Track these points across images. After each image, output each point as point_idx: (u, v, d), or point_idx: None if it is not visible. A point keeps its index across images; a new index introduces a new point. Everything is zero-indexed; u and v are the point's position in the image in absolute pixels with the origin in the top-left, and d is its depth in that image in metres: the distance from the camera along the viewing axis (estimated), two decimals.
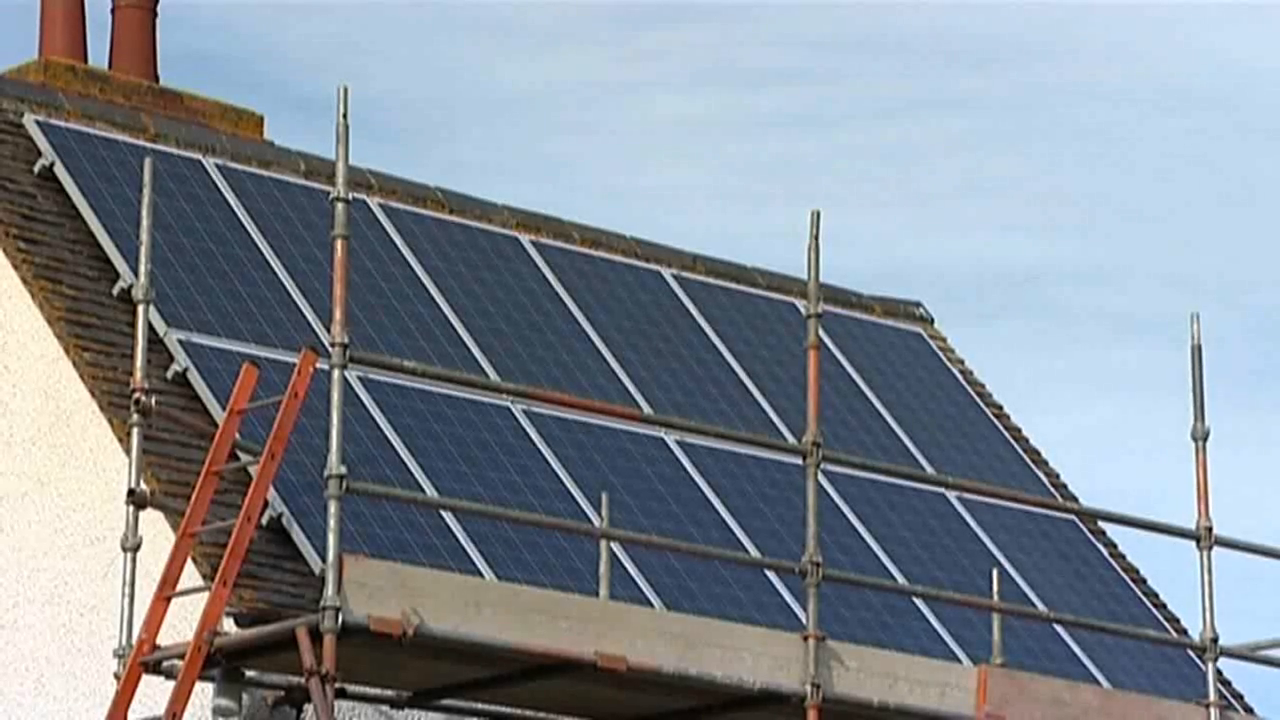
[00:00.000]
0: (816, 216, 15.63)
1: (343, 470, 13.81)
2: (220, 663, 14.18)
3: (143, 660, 14.23)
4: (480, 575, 15.19)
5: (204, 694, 14.22)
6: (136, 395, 14.94)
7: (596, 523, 15.89)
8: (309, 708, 13.95)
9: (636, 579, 16.05)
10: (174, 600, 14.25)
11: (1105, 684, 17.39)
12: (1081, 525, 19.63)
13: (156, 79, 19.17)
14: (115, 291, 16.07)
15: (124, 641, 14.48)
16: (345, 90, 14.34)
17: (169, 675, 14.06)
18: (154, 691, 14.13)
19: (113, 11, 19.29)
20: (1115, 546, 19.71)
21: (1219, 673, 16.74)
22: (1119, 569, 19.64)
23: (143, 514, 14.74)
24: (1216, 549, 16.60)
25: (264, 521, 14.56)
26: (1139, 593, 19.48)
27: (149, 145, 16.87)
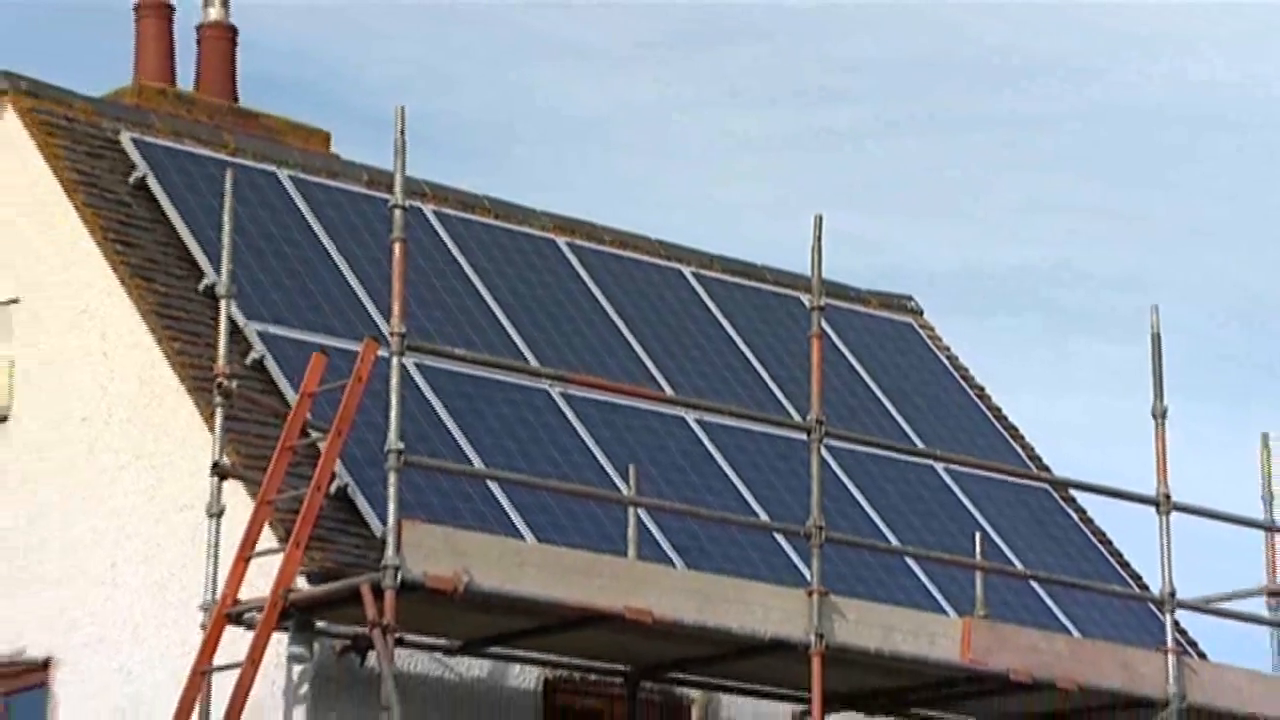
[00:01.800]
0: (819, 221, 15.71)
1: (401, 446, 13.95)
2: (293, 615, 14.30)
3: (226, 613, 14.37)
4: (523, 538, 15.23)
5: (279, 643, 14.32)
6: (219, 380, 15.08)
7: (625, 492, 15.92)
8: (372, 655, 14.03)
9: (660, 541, 16.10)
10: (253, 560, 14.38)
11: (1076, 634, 17.38)
12: (1054, 494, 19.64)
13: (236, 100, 19.22)
14: (200, 288, 16.10)
15: (209, 597, 14.61)
16: (402, 110, 14.48)
17: (249, 626, 14.19)
18: (236, 641, 14.20)
19: (198, 41, 19.37)
20: (1084, 512, 19.71)
21: (1176, 623, 16.72)
22: (1087, 532, 19.64)
23: (225, 484, 14.89)
24: (1174, 514, 16.69)
25: (332, 491, 14.64)
26: (1105, 553, 19.48)
27: (229, 159, 16.90)
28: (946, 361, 20.87)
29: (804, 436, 15.78)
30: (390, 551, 13.67)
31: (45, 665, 15.94)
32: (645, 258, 19.39)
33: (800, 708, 15.69)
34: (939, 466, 18.78)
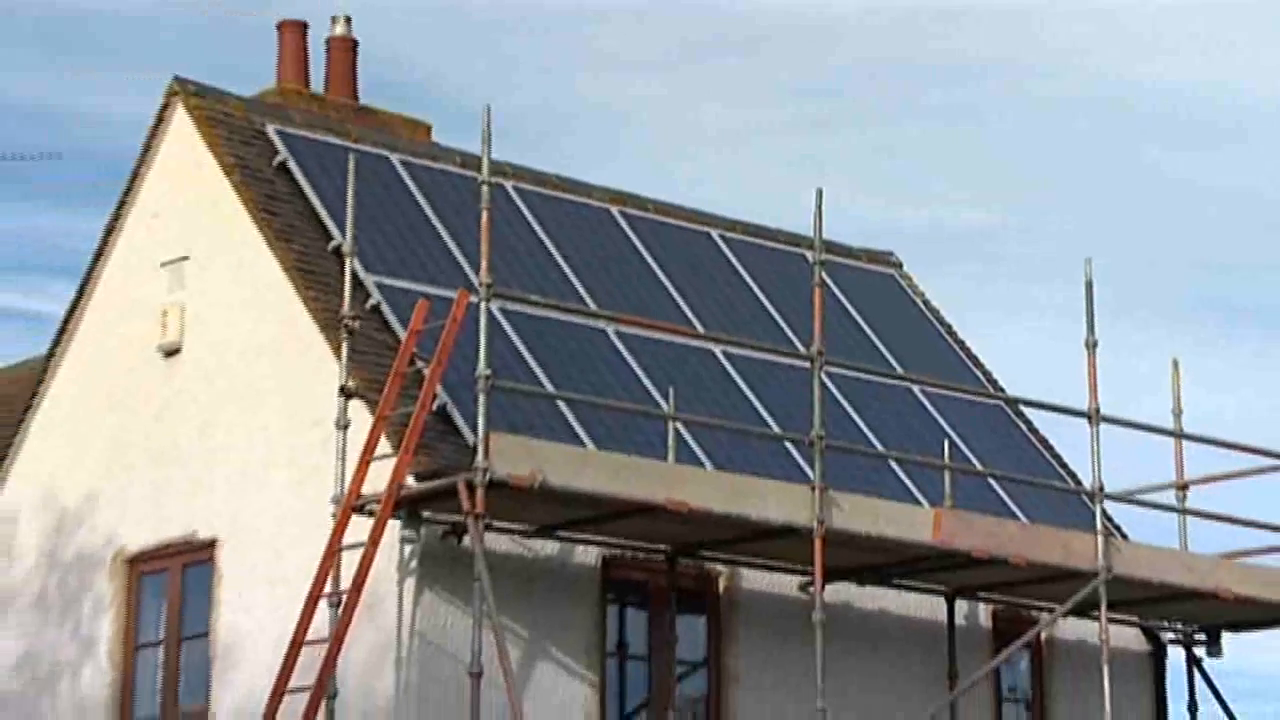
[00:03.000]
0: (820, 193, 15.73)
1: (488, 373, 14.05)
2: (405, 506, 14.40)
3: (352, 505, 14.48)
4: (584, 446, 15.26)
5: (394, 528, 14.41)
6: (345, 321, 15.18)
7: (665, 409, 15.92)
8: (466, 538, 14.10)
9: (694, 447, 16.09)
10: (372, 463, 14.47)
11: (1024, 520, 17.36)
12: (1007, 410, 19.59)
13: (356, 99, 19.20)
14: (329, 248, 16.09)
15: (339, 492, 14.71)
16: (488, 108, 14.57)
17: (370, 515, 14.29)
18: (359, 527, 14.32)
19: (327, 52, 19.40)
20: (1031, 424, 19.66)
21: (1104, 512, 16.78)
22: (1034, 440, 19.56)
23: (350, 403, 14.97)
24: (1102, 425, 16.70)
25: (434, 408, 14.67)
26: (1048, 456, 19.43)
27: (352, 146, 16.92)
28: (921, 305, 20.82)
29: (807, 364, 15.81)
30: (480, 456, 13.81)
31: (211, 545, 16.02)
32: (680, 222, 19.36)
33: (805, 579, 15.72)
34: (915, 389, 18.74)
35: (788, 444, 16.61)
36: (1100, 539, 16.48)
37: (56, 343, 17.68)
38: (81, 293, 17.54)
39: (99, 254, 17.45)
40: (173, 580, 16.37)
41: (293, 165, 16.78)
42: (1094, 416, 16.63)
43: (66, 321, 17.62)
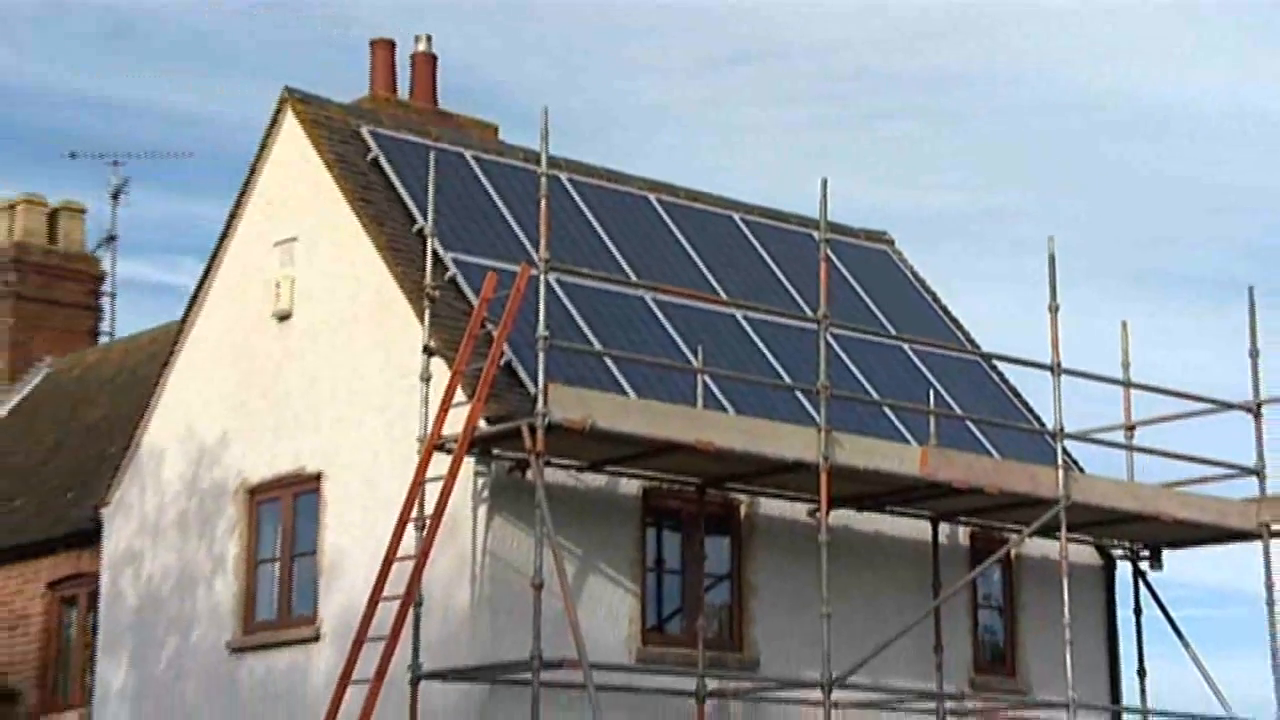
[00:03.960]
0: (825, 182, 15.67)
1: (547, 333, 14.03)
2: (477, 446, 14.43)
3: (434, 444, 14.51)
4: (627, 395, 15.24)
5: (468, 464, 14.42)
6: (427, 291, 15.19)
7: (694, 363, 15.86)
8: (529, 472, 14.11)
9: (719, 395, 16.03)
10: (450, 409, 14.47)
11: (996, 456, 17.29)
12: (983, 364, 19.50)
13: (436, 104, 19.22)
14: (415, 230, 16.09)
15: (423, 432, 14.73)
16: (546, 110, 14.53)
17: (448, 452, 14.30)
18: (440, 463, 14.32)
19: (411, 65, 19.38)
20: (1003, 375, 19.55)
21: (1064, 449, 16.66)
22: (1005, 389, 19.49)
23: (432, 360, 14.97)
24: (1064, 376, 16.61)
25: (501, 364, 14.67)
26: (1017, 403, 19.33)
27: (432, 144, 16.87)
28: (911, 276, 20.71)
29: (814, 326, 15.75)
30: (540, 404, 13.81)
31: (317, 477, 16.07)
32: (707, 207, 19.29)
33: (812, 507, 15.69)
34: (905, 347, 18.65)
35: (797, 393, 16.55)
36: (1061, 472, 16.41)
37: (189, 310, 17.74)
38: (209, 268, 17.58)
39: (223, 235, 17.49)
40: (286, 507, 16.43)
41: (383, 161, 16.76)
42: (1055, 369, 16.52)
43: (196, 292, 17.67)
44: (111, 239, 25.80)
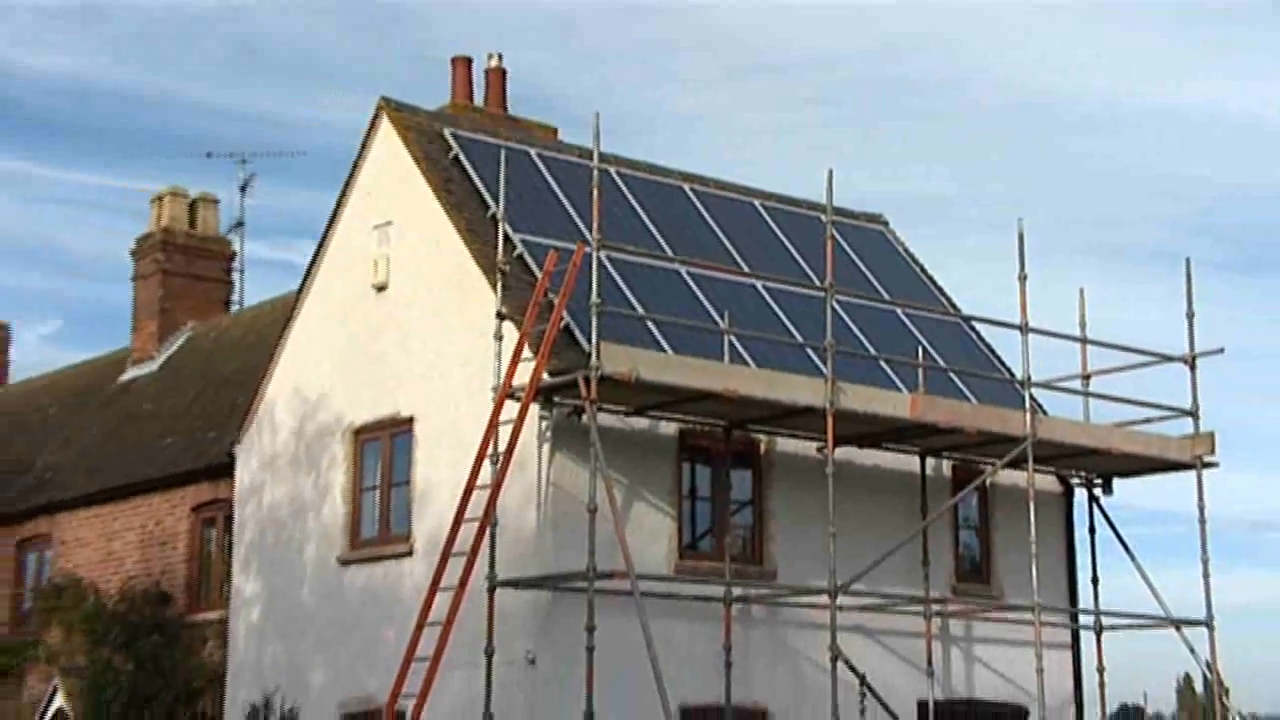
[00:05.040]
0: (830, 173, 15.54)
1: (598, 301, 13.93)
2: (542, 394, 14.33)
3: (506, 393, 14.42)
4: (666, 351, 15.10)
5: (534, 410, 14.34)
6: (499, 266, 15.08)
7: (722, 325, 15.78)
8: (585, 416, 14.00)
9: (742, 352, 15.89)
10: (519, 364, 14.39)
11: (974, 401, 17.15)
12: (963, 325, 19.26)
13: (506, 110, 19.04)
14: (488, 215, 15.96)
15: (497, 383, 14.63)
16: (597, 115, 14.37)
17: (517, 400, 14.22)
18: (511, 409, 14.24)
19: (486, 77, 19.18)
20: (980, 334, 19.34)
21: (1031, 395, 16.50)
22: (981, 346, 19.26)
23: (503, 323, 14.86)
24: (1031, 335, 16.39)
25: (561, 326, 14.53)
26: (991, 357, 19.07)
27: (502, 143, 16.78)
28: (903, 251, 20.46)
29: (822, 294, 15.61)
30: (594, 359, 13.77)
31: (410, 421, 16.01)
32: (731, 194, 19.09)
33: (820, 444, 15.57)
34: (898, 310, 18.44)
35: (807, 349, 16.40)
36: (1028, 414, 16.27)
37: (302, 283, 17.64)
38: (319, 248, 17.48)
39: (331, 220, 17.38)
40: (384, 445, 16.37)
41: (462, 158, 16.65)
42: (1023, 328, 16.35)
43: (309, 268, 17.57)
44: (240, 224, 25.96)
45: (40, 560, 21.39)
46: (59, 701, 18.87)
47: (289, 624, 16.98)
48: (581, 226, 16.14)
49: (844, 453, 16.05)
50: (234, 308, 24.07)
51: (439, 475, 15.47)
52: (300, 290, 17.64)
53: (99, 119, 69.04)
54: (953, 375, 17.72)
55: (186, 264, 23.45)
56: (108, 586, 19.65)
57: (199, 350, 22.55)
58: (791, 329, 16.92)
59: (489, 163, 16.42)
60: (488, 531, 14.16)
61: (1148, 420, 17.83)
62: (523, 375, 14.28)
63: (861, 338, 17.49)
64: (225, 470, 18.39)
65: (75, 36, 65.98)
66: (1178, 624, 17.21)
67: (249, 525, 17.84)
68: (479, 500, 14.20)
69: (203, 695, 18.16)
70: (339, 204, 17.24)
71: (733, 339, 15.75)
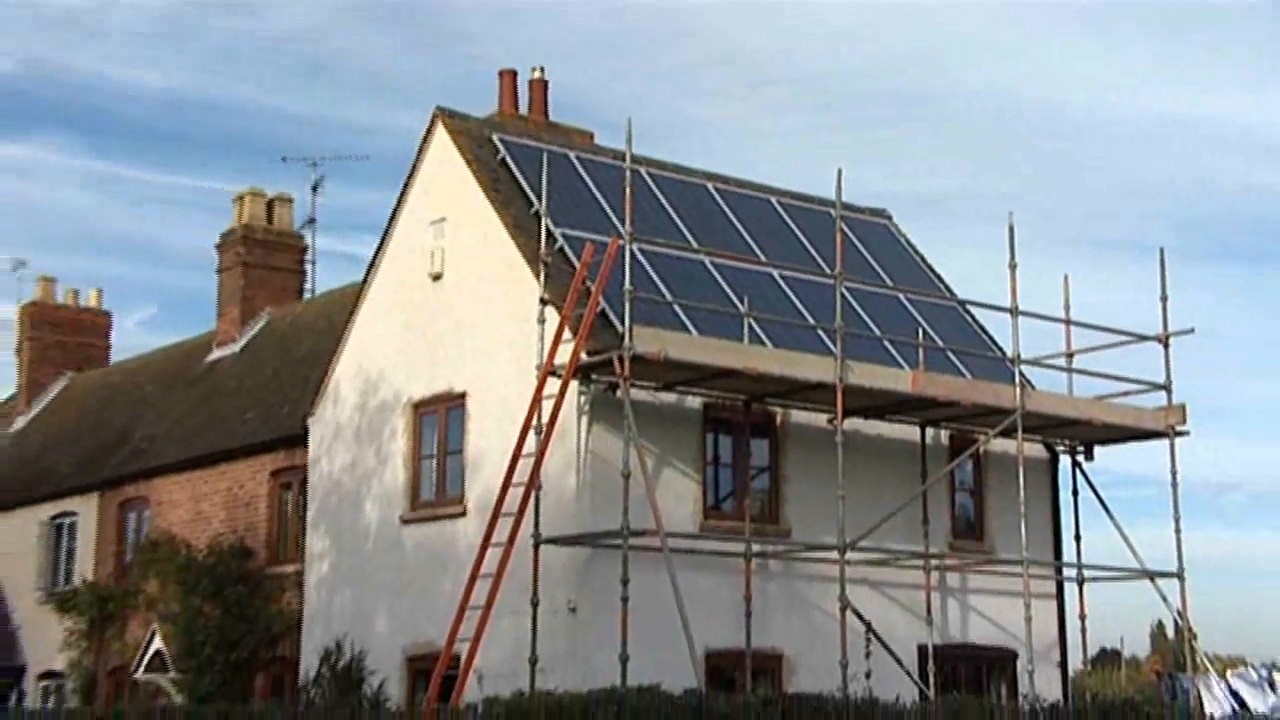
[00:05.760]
0: (840, 172, 15.25)
1: (631, 288, 13.73)
2: (581, 372, 14.16)
3: (548, 371, 14.29)
4: (691, 333, 14.91)
5: (574, 385, 14.20)
6: (542, 257, 14.92)
7: (742, 309, 15.59)
8: (619, 391, 13.85)
9: (760, 334, 15.72)
10: (560, 345, 14.24)
11: (969, 377, 16.90)
12: (959, 308, 19.00)
13: (547, 117, 18.81)
14: (532, 211, 15.78)
15: (540, 361, 14.48)
16: (629, 120, 14.12)
17: (559, 377, 14.09)
18: (553, 385, 14.11)
19: (530, 88, 18.96)
20: (974, 316, 19.06)
21: (1020, 372, 16.28)
22: (976, 327, 18.98)
23: (546, 308, 14.71)
24: (1020, 317, 16.11)
25: (598, 311, 14.38)
26: (985, 337, 18.79)
27: (545, 147, 16.63)
28: (905, 242, 20.19)
29: (832, 281, 15.39)
30: (627, 340, 13.61)
31: (463, 396, 15.90)
32: (751, 193, 18.88)
33: (830, 416, 15.37)
34: (900, 296, 18.21)
35: (819, 331, 16.22)
36: (1017, 389, 16.05)
37: (367, 273, 17.51)
38: (382, 241, 17.33)
39: (392, 216, 17.23)
40: (440, 418, 16.25)
41: (509, 160, 16.49)
42: (1014, 311, 16.09)
43: (372, 260, 17.45)
44: (312, 221, 25.90)
45: (139, 520, 21.42)
46: (157, 643, 18.89)
47: (355, 576, 16.89)
48: (615, 221, 15.95)
49: (852, 424, 15.84)
50: (306, 295, 24.00)
51: (489, 444, 15.34)
52: (365, 279, 17.51)
53: (189, 128, 69.42)
54: (949, 354, 17.49)
55: (265, 256, 23.38)
56: (198, 542, 19.64)
57: (276, 333, 22.49)
58: (804, 313, 16.70)
59: (532, 164, 16.25)
60: (533, 494, 14.05)
61: (1125, 394, 17.55)
62: (563, 355, 14.13)
63: (867, 320, 17.26)
64: (299, 440, 18.31)
65: (166, 55, 66.49)
66: (1151, 576, 16.97)
67: (319, 489, 17.75)
68: (524, 467, 14.08)
69: (282, 639, 18.14)
70: (399, 202, 17.08)
71: (751, 322, 15.58)
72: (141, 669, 19.00)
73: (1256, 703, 19.72)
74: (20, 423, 27.07)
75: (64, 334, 27.70)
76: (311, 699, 15.31)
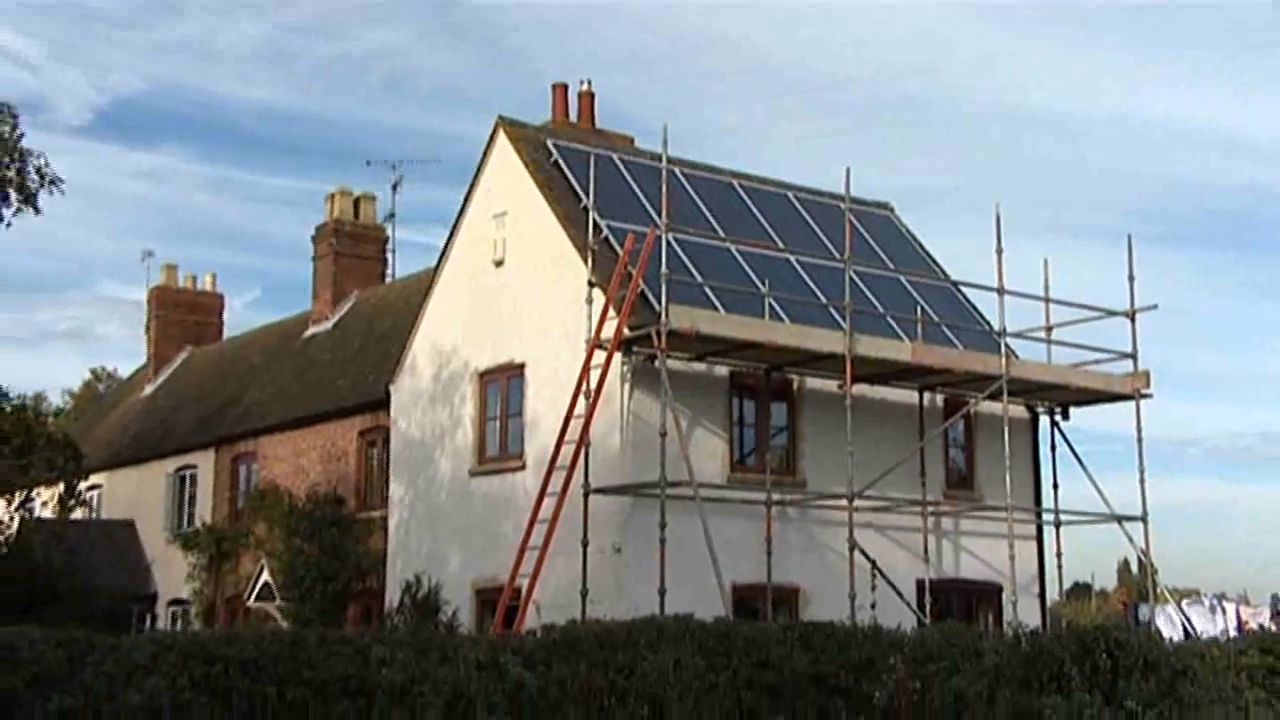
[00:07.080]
0: (848, 170, 15.01)
1: (667, 272, 13.51)
2: (624, 345, 13.99)
3: (595, 344, 14.11)
4: (719, 311, 14.67)
5: (618, 357, 14.02)
6: (590, 246, 14.72)
7: (763, 290, 15.33)
8: (657, 361, 13.66)
9: (779, 311, 15.46)
10: (606, 322, 14.05)
11: (961, 348, 16.56)
12: (953, 288, 18.63)
13: (594, 124, 18.54)
14: (581, 206, 15.57)
15: (588, 335, 14.30)
16: (665, 127, 13.91)
17: (605, 349, 13.91)
18: (599, 356, 13.95)
19: (579, 98, 18.68)
20: (966, 296, 18.69)
21: (1006, 343, 15.95)
22: (968, 305, 18.61)
23: (593, 290, 14.52)
24: (1006, 295, 15.78)
25: (638, 292, 14.17)
26: (975, 314, 18.42)
27: (592, 150, 16.38)
28: (906, 232, 19.81)
29: (841, 265, 15.11)
30: (664, 317, 13.41)
31: (523, 366, 15.74)
32: (771, 188, 18.56)
33: (840, 382, 15.11)
34: (901, 277, 17.88)
35: (830, 309, 15.92)
36: (1003, 358, 15.78)
37: (439, 261, 17.37)
38: (452, 232, 17.17)
39: (460, 211, 17.06)
40: (503, 385, 16.11)
41: (561, 162, 16.28)
42: (1000, 290, 15.77)
43: (444, 249, 17.28)
44: (392, 215, 25.88)
45: (249, 472, 21.51)
46: (265, 576, 19.00)
47: (431, 521, 16.84)
48: (653, 214, 15.71)
49: (859, 389, 15.60)
50: (388, 280, 23.94)
51: (544, 408, 15.20)
52: (437, 266, 17.36)
53: (288, 136, 69.85)
54: (944, 328, 17.18)
55: (353, 246, 23.35)
56: (298, 491, 19.69)
57: (362, 313, 22.45)
58: (817, 292, 16.41)
59: (581, 165, 16.04)
60: (582, 451, 13.93)
61: (1097, 361, 17.24)
62: (608, 330, 13.98)
63: (872, 299, 16.95)
64: (383, 404, 18.25)
65: (270, 74, 66.91)
66: (1119, 519, 16.68)
67: (399, 446, 17.69)
68: (575, 427, 13.97)
69: (370, 574, 18.17)
70: (466, 198, 16.90)
71: (771, 301, 15.36)
72: (253, 597, 19.11)
73: (1206, 626, 19.68)
74: (149, 389, 27.33)
75: (184, 313, 27.93)
76: (396, 624, 15.30)
